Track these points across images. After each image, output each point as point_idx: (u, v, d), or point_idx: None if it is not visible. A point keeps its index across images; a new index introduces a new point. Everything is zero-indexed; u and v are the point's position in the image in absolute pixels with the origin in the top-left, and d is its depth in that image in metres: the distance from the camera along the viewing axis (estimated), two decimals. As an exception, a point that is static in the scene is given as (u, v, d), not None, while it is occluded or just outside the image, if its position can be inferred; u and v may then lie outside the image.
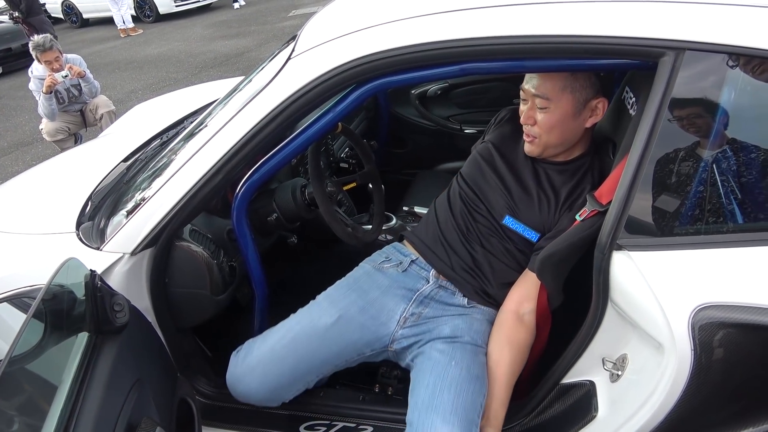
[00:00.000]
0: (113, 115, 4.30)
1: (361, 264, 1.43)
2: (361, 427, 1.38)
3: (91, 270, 0.96)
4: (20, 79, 8.16)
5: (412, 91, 2.40)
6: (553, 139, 1.22)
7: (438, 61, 1.06)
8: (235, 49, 7.90)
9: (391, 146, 2.51)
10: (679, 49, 0.89)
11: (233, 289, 1.43)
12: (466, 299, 1.31)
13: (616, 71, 1.27)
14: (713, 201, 0.92)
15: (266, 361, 1.29)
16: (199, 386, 1.48)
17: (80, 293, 0.99)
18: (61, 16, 13.27)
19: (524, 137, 1.27)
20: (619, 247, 0.97)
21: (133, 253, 1.26)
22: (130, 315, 1.04)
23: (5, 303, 1.14)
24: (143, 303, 1.31)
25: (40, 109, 4.13)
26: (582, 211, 1.11)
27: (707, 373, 0.89)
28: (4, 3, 12.88)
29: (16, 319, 1.19)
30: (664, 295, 0.91)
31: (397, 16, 1.06)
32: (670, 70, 0.90)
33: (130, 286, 1.27)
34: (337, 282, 1.39)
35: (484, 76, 2.24)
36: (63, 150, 4.14)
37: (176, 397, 1.24)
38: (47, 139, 4.33)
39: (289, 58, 1.15)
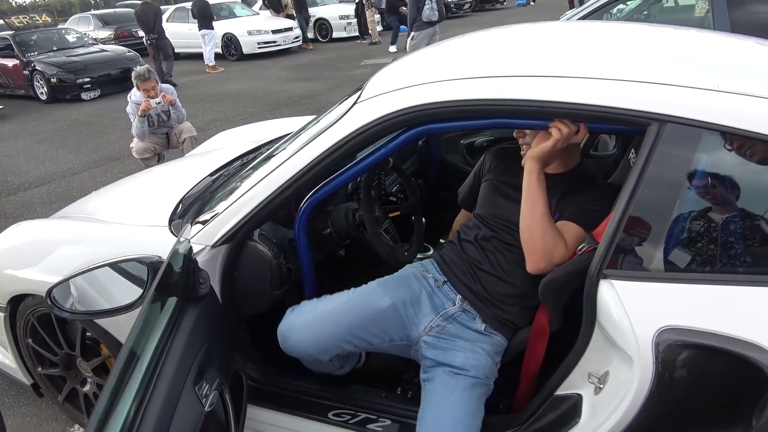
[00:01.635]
0: (194, 141, 4.79)
1: (407, 266, 1.67)
2: (381, 419, 1.59)
3: (188, 245, 1.25)
4: (115, 102, 9.06)
5: (461, 141, 2.67)
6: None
7: (473, 115, 1.32)
8: (308, 91, 8.50)
9: (439, 188, 2.78)
10: (663, 120, 1.13)
11: (287, 288, 1.70)
12: (485, 325, 1.53)
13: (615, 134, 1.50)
14: (681, 245, 1.12)
15: (323, 320, 1.51)
16: (247, 370, 1.74)
17: (176, 266, 1.28)
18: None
19: (522, 153, 1.51)
20: (605, 276, 1.17)
21: (213, 246, 1.56)
22: (209, 289, 1.32)
23: (107, 267, 1.44)
24: (215, 290, 1.59)
25: (134, 130, 4.66)
26: (581, 247, 1.33)
27: (665, 384, 1.08)
28: (110, 33, 14.22)
29: (115, 280, 1.50)
30: (636, 316, 1.11)
31: (443, 78, 1.34)
32: (654, 136, 1.13)
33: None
34: (390, 275, 1.62)
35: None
36: (147, 167, 4.64)
37: (231, 368, 1.51)
38: (135, 156, 4.86)
39: (355, 103, 1.45)
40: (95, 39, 12.99)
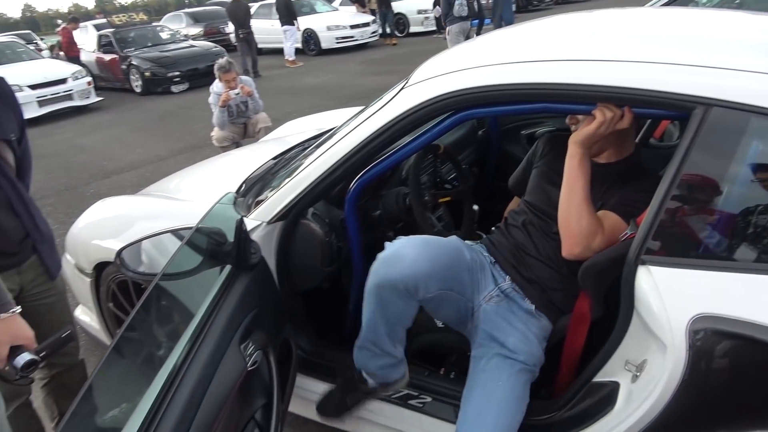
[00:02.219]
0: (269, 130, 5.01)
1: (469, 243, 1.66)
2: (422, 396, 1.64)
3: (240, 217, 1.36)
4: (201, 94, 9.56)
5: (522, 132, 2.65)
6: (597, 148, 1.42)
7: (518, 100, 1.34)
8: (381, 85, 8.61)
9: (498, 178, 2.77)
10: (708, 104, 1.10)
11: (338, 266, 1.78)
12: (533, 306, 1.54)
13: (659, 119, 1.45)
14: (722, 233, 1.09)
15: (433, 246, 1.41)
16: (299, 341, 1.84)
17: (229, 237, 1.39)
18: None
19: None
20: (643, 262, 1.16)
21: (269, 223, 1.66)
22: (260, 259, 1.42)
23: (169, 234, 1.58)
24: (270, 264, 1.70)
25: (215, 119, 4.95)
26: (624, 234, 1.31)
27: (698, 373, 1.06)
28: (200, 30, 14.98)
29: (176, 245, 1.63)
30: (671, 303, 1.09)
31: (489, 63, 1.37)
32: (699, 121, 1.10)
33: (263, 248, 1.67)
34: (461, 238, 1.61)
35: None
36: (226, 154, 4.95)
37: (281, 336, 1.61)
38: (215, 144, 5.15)
39: (403, 87, 1.50)
40: (186, 35, 13.78)
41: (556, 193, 1.55)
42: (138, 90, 10.88)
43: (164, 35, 12.28)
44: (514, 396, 1.40)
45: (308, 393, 1.81)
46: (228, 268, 1.37)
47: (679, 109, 1.14)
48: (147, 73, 10.55)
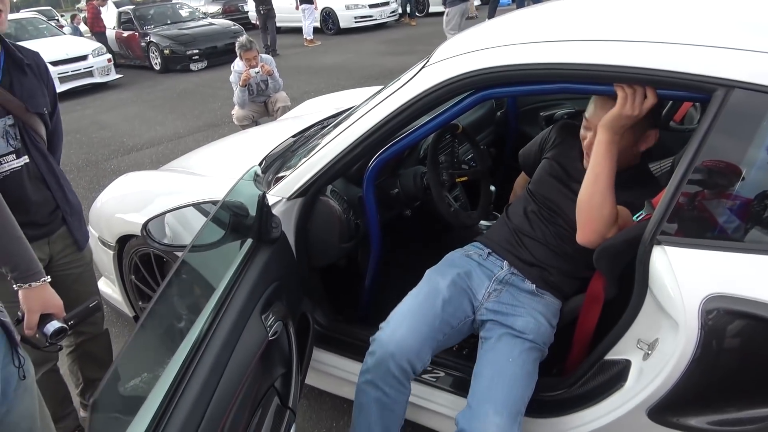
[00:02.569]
0: (288, 110, 5.04)
1: (450, 252, 1.71)
2: (435, 371, 1.68)
3: (262, 192, 1.39)
4: (220, 72, 9.63)
5: (541, 113, 2.64)
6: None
7: (538, 79, 1.34)
8: (399, 65, 8.56)
9: (516, 160, 2.77)
10: (729, 86, 1.09)
11: (355, 243, 1.81)
12: (534, 285, 1.57)
13: (679, 100, 1.45)
14: (739, 214, 1.10)
15: (413, 313, 1.50)
16: (315, 316, 1.88)
17: (252, 211, 1.42)
18: (257, 22, 15.18)
19: (586, 157, 1.47)
20: (658, 242, 1.17)
21: (289, 199, 1.69)
22: (281, 233, 1.46)
23: (192, 207, 1.62)
24: (289, 239, 1.74)
25: (235, 98, 4.98)
26: (640, 214, 1.32)
27: (709, 352, 1.07)
28: (219, 8, 14.96)
29: (198, 220, 1.68)
30: (685, 282, 1.10)
31: (509, 42, 1.37)
32: (719, 103, 1.10)
33: (283, 223, 1.70)
34: (435, 266, 1.67)
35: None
36: (245, 133, 5.02)
37: (300, 309, 1.65)
38: (236, 122, 5.19)
39: (424, 66, 1.51)
40: (205, 13, 13.77)
41: (558, 191, 1.58)
42: (157, 67, 10.94)
43: (184, 13, 12.29)
44: (524, 372, 1.43)
45: (324, 366, 1.86)
46: (250, 241, 1.41)
47: (700, 90, 1.14)
48: (166, 51, 10.59)
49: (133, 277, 2.29)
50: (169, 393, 1.01)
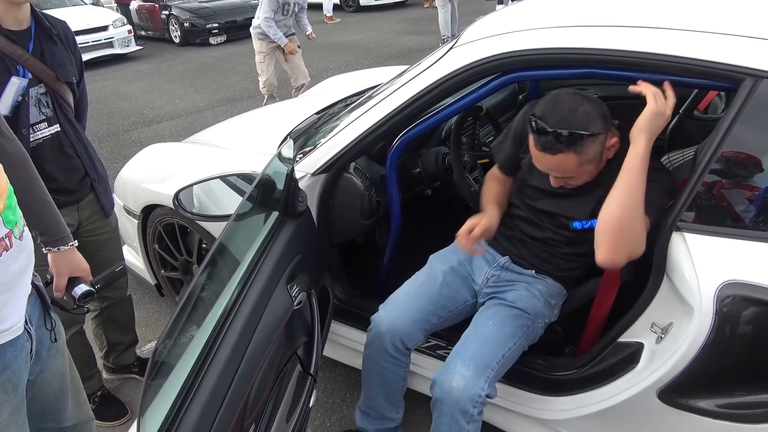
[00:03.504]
0: (308, 87, 5.05)
1: (453, 243, 1.65)
2: (449, 347, 1.72)
3: (291, 166, 1.42)
4: (239, 47, 9.63)
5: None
6: (584, 180, 1.38)
7: (564, 64, 1.36)
8: (418, 45, 8.51)
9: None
10: (758, 77, 1.10)
11: (376, 219, 1.85)
12: (533, 270, 1.59)
13: (706, 89, 1.45)
14: (760, 204, 1.12)
15: (408, 297, 1.60)
16: (334, 290, 1.93)
17: (279, 185, 1.46)
18: (279, -2, 15.09)
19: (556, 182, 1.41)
20: (678, 228, 1.20)
21: (313, 174, 1.73)
22: (306, 208, 1.49)
23: (218, 180, 1.67)
24: (312, 214, 1.78)
25: (262, 19, 4.80)
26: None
27: (722, 337, 1.10)
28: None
29: (228, 194, 1.73)
30: (702, 268, 1.13)
31: (537, 26, 1.38)
32: (747, 92, 1.12)
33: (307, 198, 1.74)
34: (439, 251, 1.72)
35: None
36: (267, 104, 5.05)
37: (321, 282, 1.70)
38: (263, 91, 5.22)
39: (452, 47, 1.53)
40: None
41: (546, 201, 1.51)
42: (177, 40, 10.94)
43: (203, -15, 12.24)
44: (502, 333, 1.46)
45: (340, 338, 1.92)
46: (276, 214, 1.45)
47: (727, 80, 1.15)
48: (186, 24, 10.58)
49: (156, 246, 2.35)
50: (202, 354, 1.06)
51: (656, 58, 1.21)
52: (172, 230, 2.26)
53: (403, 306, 1.59)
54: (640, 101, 1.24)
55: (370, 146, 1.67)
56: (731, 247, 1.13)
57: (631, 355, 1.36)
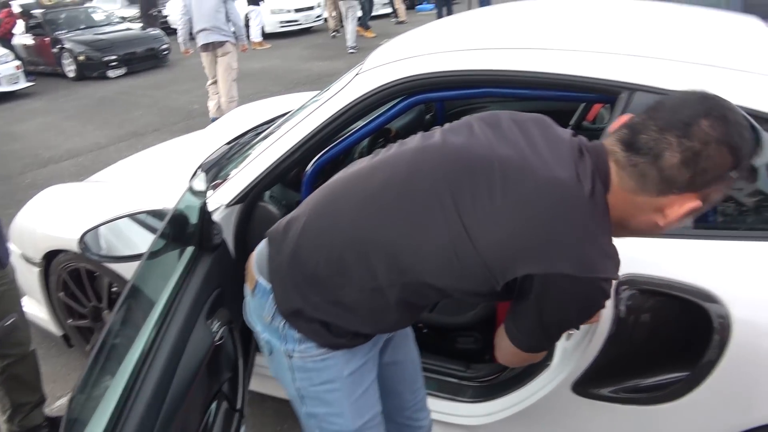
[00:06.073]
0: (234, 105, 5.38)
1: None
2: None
3: (203, 200, 1.40)
4: (141, 79, 9.30)
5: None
6: None
7: (465, 85, 1.44)
8: (327, 70, 8.60)
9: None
10: (632, 89, 1.23)
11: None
12: None
13: (590, 102, 1.59)
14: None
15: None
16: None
17: (192, 219, 1.42)
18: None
19: None
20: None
21: (228, 205, 1.70)
22: (222, 240, 1.47)
23: (126, 218, 1.61)
24: (229, 246, 1.74)
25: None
26: None
27: (623, 327, 1.20)
28: (137, 12, 14.36)
29: (137, 233, 1.66)
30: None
31: (439, 50, 1.46)
32: (624, 103, 1.24)
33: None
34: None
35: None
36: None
37: (242, 316, 1.66)
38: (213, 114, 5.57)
39: (357, 74, 1.57)
40: (122, 17, 13.22)
41: None
42: (71, 75, 10.37)
43: (98, 17, 11.74)
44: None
45: (265, 369, 1.87)
46: (191, 249, 1.41)
47: (607, 93, 1.27)
48: (81, 57, 10.07)
49: (61, 294, 2.21)
50: (120, 404, 1.01)
51: (545, 77, 1.31)
52: (78, 276, 2.13)
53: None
54: None
55: (285, 173, 1.67)
56: (625, 243, 1.23)
57: (547, 354, 1.44)
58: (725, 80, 1.20)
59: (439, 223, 0.94)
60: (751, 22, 1.60)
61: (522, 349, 1.02)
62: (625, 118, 0.94)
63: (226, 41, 5.31)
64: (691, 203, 0.85)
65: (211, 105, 5.80)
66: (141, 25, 11.81)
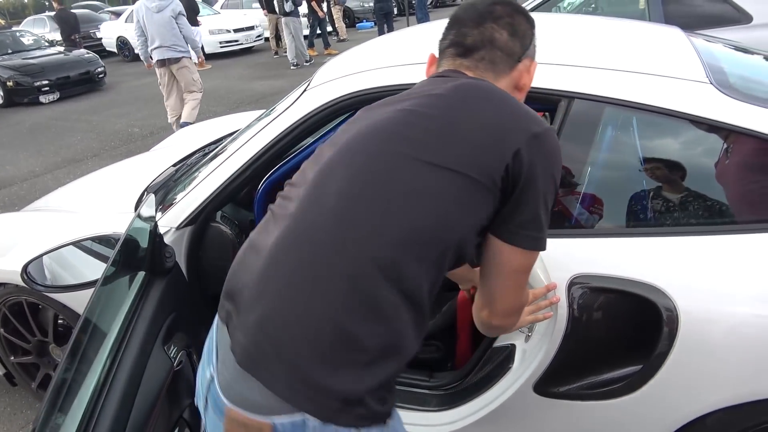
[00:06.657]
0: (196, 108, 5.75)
1: None
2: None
3: (153, 223, 1.37)
4: (76, 104, 8.97)
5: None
6: None
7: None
8: (270, 89, 8.55)
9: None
10: (570, 97, 1.29)
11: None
12: None
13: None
14: (591, 205, 1.30)
15: None
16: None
17: (143, 243, 1.39)
18: (115, 50, 14.34)
19: None
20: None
21: (178, 228, 1.67)
22: (174, 263, 1.44)
23: (71, 246, 1.55)
24: (181, 268, 1.70)
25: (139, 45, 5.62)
26: None
27: (578, 325, 1.25)
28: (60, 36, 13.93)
29: (83, 260, 1.60)
30: (552, 267, 1.27)
31: (383, 65, 1.49)
32: (564, 111, 1.30)
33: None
34: None
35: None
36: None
37: (200, 337, 1.63)
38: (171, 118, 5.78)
39: (305, 90, 1.58)
40: (51, 41, 12.76)
41: None
42: (-1, 102, 9.92)
43: (27, 41, 11.27)
44: None
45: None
46: (142, 274, 1.38)
47: (547, 102, 1.33)
48: (9, 83, 9.62)
49: (1, 330, 2.09)
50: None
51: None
52: (19, 310, 2.03)
53: None
54: None
55: (236, 193, 1.66)
56: (573, 245, 1.28)
57: (506, 357, 1.47)
58: (654, 85, 1.28)
59: (418, 177, 0.90)
60: (672, 31, 1.71)
61: (542, 248, 1.01)
62: (432, 56, 1.15)
63: (182, 57, 5.49)
64: (532, 65, 1.08)
65: (172, 119, 5.96)
66: (64, 49, 11.37)
